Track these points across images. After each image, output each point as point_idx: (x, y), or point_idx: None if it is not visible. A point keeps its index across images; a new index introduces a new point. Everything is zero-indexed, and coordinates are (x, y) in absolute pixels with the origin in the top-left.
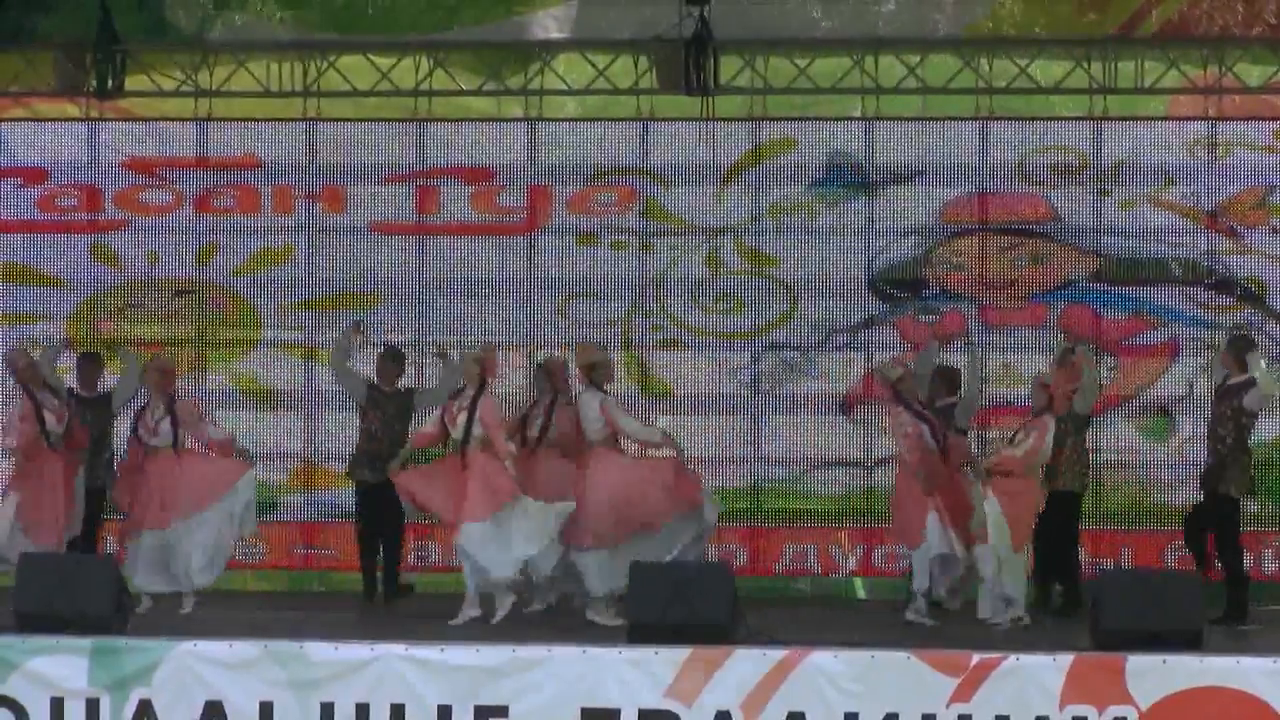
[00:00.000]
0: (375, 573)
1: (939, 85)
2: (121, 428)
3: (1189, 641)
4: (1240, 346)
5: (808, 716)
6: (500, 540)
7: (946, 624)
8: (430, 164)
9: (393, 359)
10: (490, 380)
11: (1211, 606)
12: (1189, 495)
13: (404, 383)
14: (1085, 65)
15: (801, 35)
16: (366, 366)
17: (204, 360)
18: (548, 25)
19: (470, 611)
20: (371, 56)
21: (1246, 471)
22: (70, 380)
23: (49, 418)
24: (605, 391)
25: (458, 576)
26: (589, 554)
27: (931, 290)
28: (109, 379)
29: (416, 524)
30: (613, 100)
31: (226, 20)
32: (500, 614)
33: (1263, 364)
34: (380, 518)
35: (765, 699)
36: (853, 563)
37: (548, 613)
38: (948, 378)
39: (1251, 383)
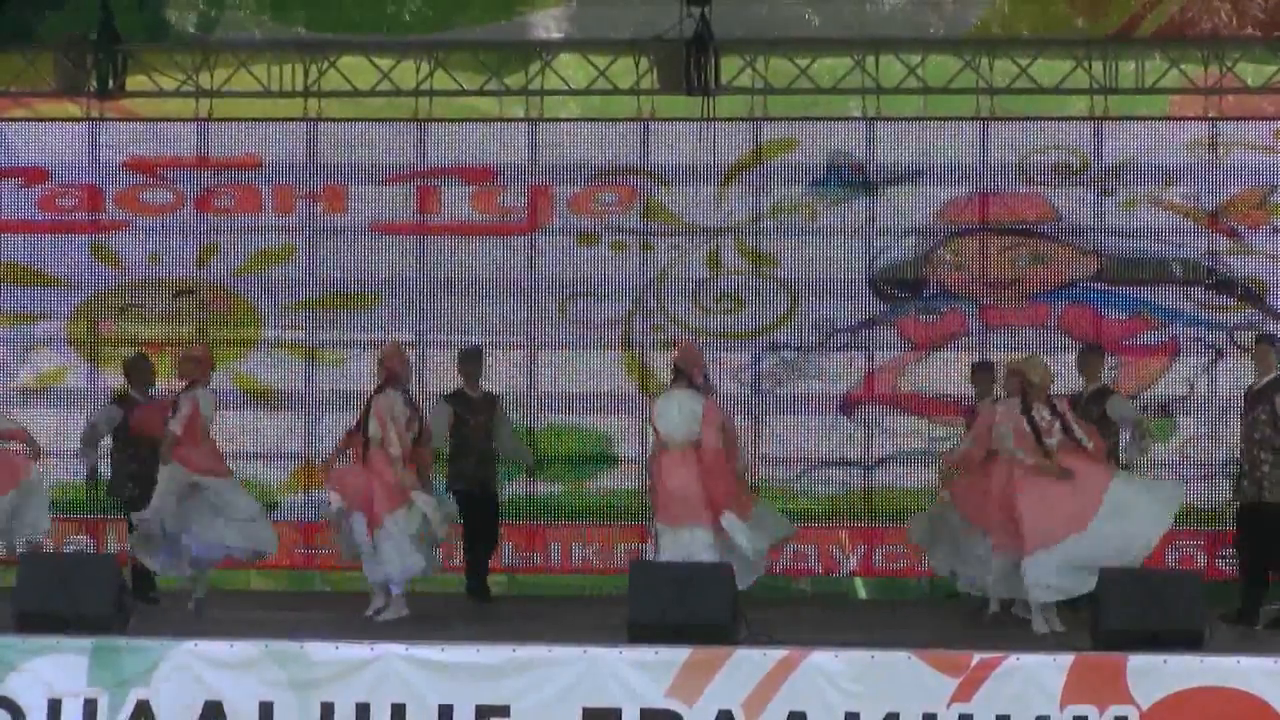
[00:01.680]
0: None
1: (939, 85)
2: None
3: (1189, 641)
4: (1265, 345)
5: (808, 716)
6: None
7: (946, 624)
8: (431, 164)
9: (473, 360)
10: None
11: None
12: (1190, 495)
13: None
14: (1086, 65)
15: (802, 35)
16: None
17: None
18: (548, 25)
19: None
20: (372, 57)
21: None
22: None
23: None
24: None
25: (460, 577)
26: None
27: (932, 290)
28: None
29: None
30: (613, 100)
31: (227, 20)
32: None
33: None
34: (478, 522)
35: (766, 699)
36: (853, 563)
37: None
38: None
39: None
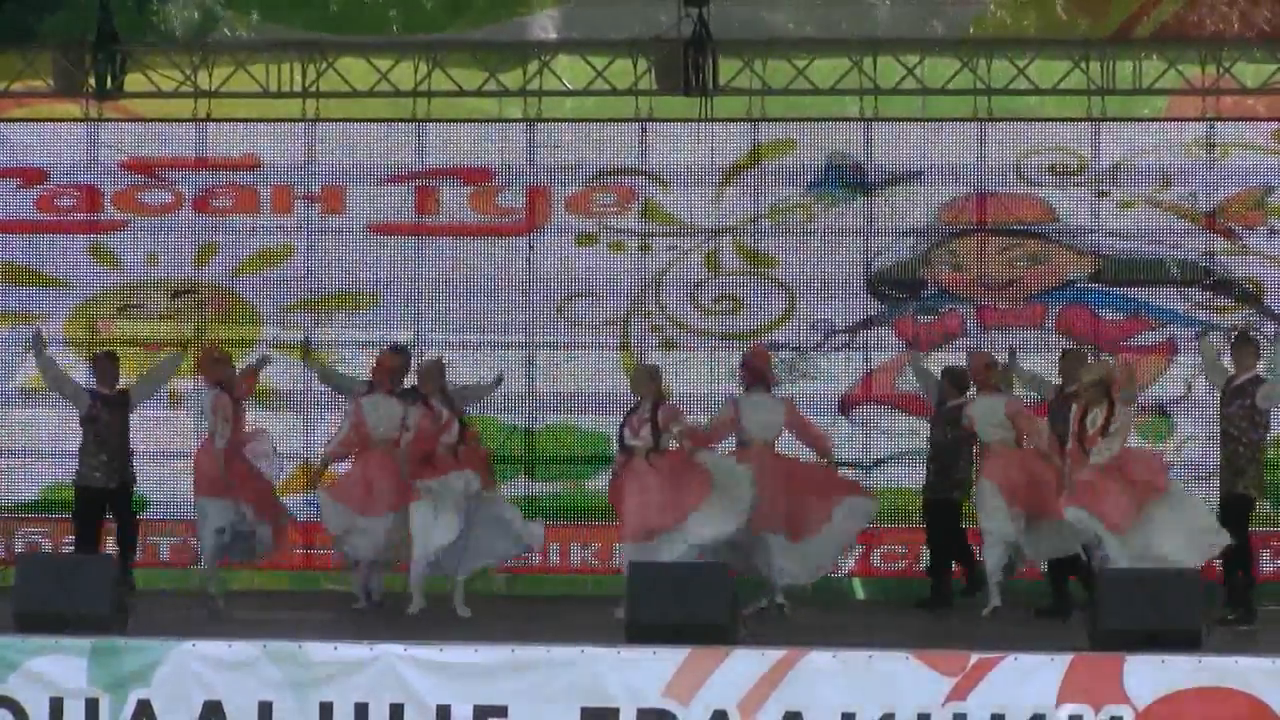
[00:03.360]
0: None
1: (937, 86)
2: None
3: (1188, 641)
4: (1245, 343)
5: (805, 716)
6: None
7: (944, 624)
8: (429, 164)
9: (398, 353)
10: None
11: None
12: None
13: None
14: (1083, 66)
15: (800, 36)
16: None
17: None
18: (546, 26)
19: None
20: (370, 57)
21: (1261, 471)
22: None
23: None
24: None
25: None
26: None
27: (930, 291)
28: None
29: None
30: (612, 101)
31: (226, 21)
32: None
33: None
34: None
35: (763, 698)
36: (852, 563)
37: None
38: (956, 379)
39: (1259, 380)
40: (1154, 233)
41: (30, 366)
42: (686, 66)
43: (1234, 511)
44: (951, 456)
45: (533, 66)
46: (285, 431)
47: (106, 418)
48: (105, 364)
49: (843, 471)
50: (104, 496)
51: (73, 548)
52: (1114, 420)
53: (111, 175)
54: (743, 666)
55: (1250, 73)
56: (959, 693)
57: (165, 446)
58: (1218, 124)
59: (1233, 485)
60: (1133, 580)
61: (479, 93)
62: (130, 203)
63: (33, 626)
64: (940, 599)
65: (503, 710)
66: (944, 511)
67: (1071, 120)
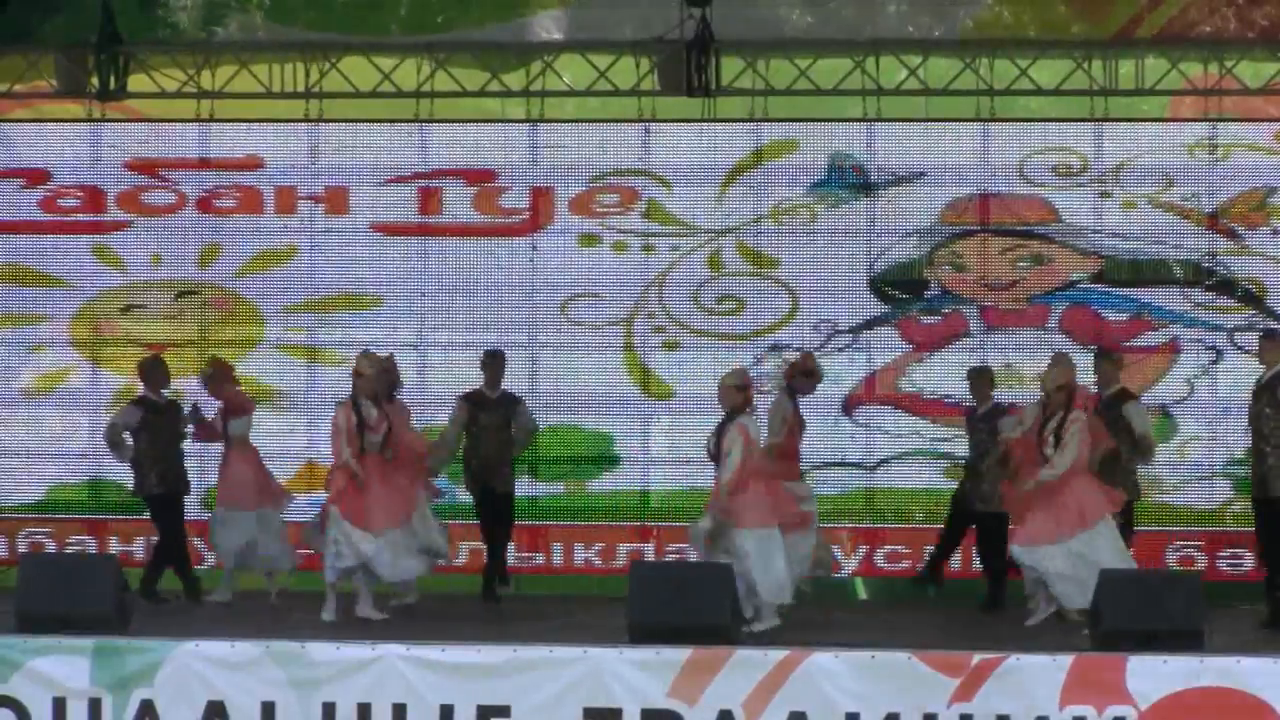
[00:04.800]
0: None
1: (940, 87)
2: None
3: (1189, 642)
4: (1273, 340)
5: (809, 716)
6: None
7: (946, 624)
8: (432, 165)
9: (490, 361)
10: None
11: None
12: (1189, 496)
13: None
14: (1085, 67)
15: (803, 36)
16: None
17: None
18: (549, 26)
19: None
20: (373, 58)
21: None
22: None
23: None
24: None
25: (472, 578)
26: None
27: (932, 291)
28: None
29: None
30: (614, 101)
31: (229, 22)
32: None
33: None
34: (496, 519)
35: (767, 699)
36: (854, 563)
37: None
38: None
39: None
40: (1156, 233)
41: (33, 367)
42: (689, 67)
43: (1275, 516)
44: (983, 463)
45: (536, 67)
46: (288, 431)
47: (156, 423)
48: (154, 369)
49: (846, 472)
50: (168, 501)
51: (93, 550)
52: (1067, 430)
53: (115, 176)
54: (746, 667)
55: (1252, 73)
56: (964, 694)
57: None
58: (1220, 124)
59: (1266, 489)
60: (1134, 580)
61: (482, 93)
62: (134, 203)
63: (35, 626)
64: (995, 601)
65: (505, 710)
66: (983, 520)
67: (1074, 121)
